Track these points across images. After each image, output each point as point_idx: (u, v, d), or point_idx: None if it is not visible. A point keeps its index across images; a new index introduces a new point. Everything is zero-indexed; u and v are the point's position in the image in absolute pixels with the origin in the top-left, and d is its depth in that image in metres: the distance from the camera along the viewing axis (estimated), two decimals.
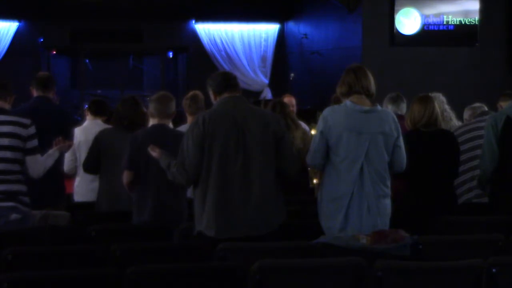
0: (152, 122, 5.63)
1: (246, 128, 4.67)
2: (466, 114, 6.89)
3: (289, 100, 7.92)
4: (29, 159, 5.19)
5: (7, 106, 5.29)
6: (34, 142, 5.20)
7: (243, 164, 4.64)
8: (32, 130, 5.20)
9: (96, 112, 6.76)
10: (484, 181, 5.94)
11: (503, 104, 6.40)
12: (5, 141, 5.09)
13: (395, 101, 6.92)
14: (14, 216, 5.09)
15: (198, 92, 6.66)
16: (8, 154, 5.10)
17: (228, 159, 4.64)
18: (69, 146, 5.68)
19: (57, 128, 5.86)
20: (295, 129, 6.62)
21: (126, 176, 5.41)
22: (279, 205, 4.76)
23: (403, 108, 6.95)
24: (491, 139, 5.79)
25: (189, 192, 5.51)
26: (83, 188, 6.59)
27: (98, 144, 5.96)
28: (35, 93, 6.18)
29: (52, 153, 5.43)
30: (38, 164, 5.25)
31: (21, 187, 5.18)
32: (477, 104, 6.92)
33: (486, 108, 6.78)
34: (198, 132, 4.68)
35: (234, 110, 4.73)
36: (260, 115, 4.82)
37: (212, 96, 4.88)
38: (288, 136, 4.87)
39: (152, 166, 5.37)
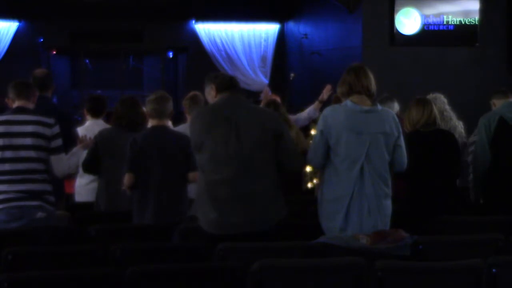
0: (151, 123, 5.64)
1: (244, 126, 4.68)
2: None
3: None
4: (54, 159, 5.22)
5: (30, 105, 5.31)
6: (59, 142, 5.24)
7: (241, 161, 4.64)
8: (56, 129, 5.23)
9: (94, 112, 6.74)
10: (478, 182, 5.93)
11: (497, 102, 6.36)
12: (28, 141, 5.11)
13: (384, 102, 6.86)
14: (39, 214, 5.11)
15: (198, 93, 6.68)
16: (31, 153, 5.13)
17: (226, 156, 4.64)
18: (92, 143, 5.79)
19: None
20: (288, 128, 6.65)
21: (127, 179, 5.42)
22: (278, 201, 4.75)
23: (393, 107, 6.95)
24: (484, 140, 5.79)
25: (190, 193, 5.53)
26: (83, 188, 6.59)
27: (97, 144, 5.96)
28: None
29: (75, 152, 5.51)
30: (63, 163, 5.29)
31: (46, 186, 5.20)
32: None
33: None
34: (194, 129, 4.72)
35: (233, 108, 4.74)
36: (258, 113, 4.84)
37: (212, 92, 4.88)
38: (287, 133, 4.88)
39: (153, 168, 5.37)
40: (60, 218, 5.60)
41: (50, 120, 5.22)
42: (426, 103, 5.62)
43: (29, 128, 5.14)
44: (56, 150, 5.22)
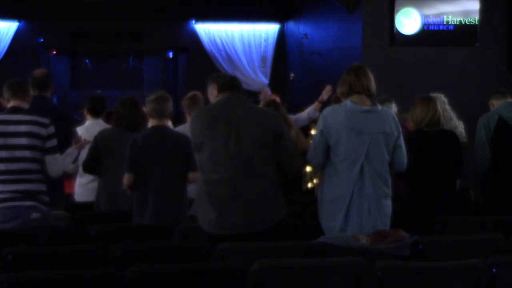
0: (151, 123, 5.64)
1: (244, 126, 4.68)
2: None
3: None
4: (49, 159, 5.21)
5: (25, 105, 5.29)
6: (54, 142, 5.22)
7: (241, 161, 4.64)
8: (51, 129, 5.21)
9: (94, 112, 6.74)
10: (478, 182, 5.93)
11: (495, 103, 6.37)
12: (23, 141, 5.10)
13: (382, 103, 6.84)
14: (34, 215, 5.10)
15: (197, 93, 6.68)
16: (27, 153, 5.11)
17: (226, 156, 4.65)
18: (88, 143, 5.79)
19: (57, 129, 5.82)
20: (288, 128, 6.66)
21: (127, 179, 5.41)
22: (278, 201, 4.75)
23: (391, 108, 6.95)
24: (484, 140, 5.79)
25: (190, 193, 5.53)
26: (83, 188, 6.59)
27: (98, 144, 5.96)
28: (31, 92, 5.97)
29: (70, 152, 5.49)
30: (58, 163, 5.28)
31: (41, 187, 5.19)
32: None
33: None
34: (194, 128, 4.71)
35: (233, 108, 4.74)
36: (258, 113, 4.84)
37: (214, 92, 4.89)
38: (287, 133, 4.88)
39: (153, 168, 5.37)
40: (60, 218, 5.60)
41: (45, 120, 5.20)
42: (430, 102, 5.60)
43: (24, 128, 5.12)
44: (51, 150, 5.20)
